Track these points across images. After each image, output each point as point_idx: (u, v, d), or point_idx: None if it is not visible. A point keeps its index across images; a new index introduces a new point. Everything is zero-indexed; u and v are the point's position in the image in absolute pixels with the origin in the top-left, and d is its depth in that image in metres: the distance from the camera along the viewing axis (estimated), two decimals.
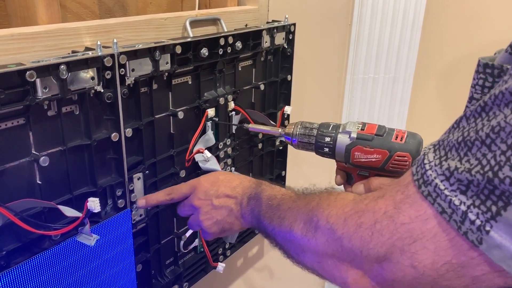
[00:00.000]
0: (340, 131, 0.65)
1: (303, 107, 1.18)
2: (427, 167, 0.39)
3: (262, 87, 0.91)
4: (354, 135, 0.63)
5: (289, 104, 0.99)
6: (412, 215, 0.39)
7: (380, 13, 1.30)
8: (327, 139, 0.65)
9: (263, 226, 0.59)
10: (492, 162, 0.34)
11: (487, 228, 0.34)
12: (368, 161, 0.63)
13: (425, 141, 1.55)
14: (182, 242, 0.82)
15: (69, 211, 0.56)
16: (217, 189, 0.66)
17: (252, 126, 0.75)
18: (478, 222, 0.34)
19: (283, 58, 0.94)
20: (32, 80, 0.50)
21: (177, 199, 0.70)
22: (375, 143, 0.62)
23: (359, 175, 0.66)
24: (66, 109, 0.57)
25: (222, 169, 0.82)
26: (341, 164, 0.66)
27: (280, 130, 0.71)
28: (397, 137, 0.62)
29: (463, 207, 0.35)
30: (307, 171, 1.32)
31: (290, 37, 0.93)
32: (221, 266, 0.84)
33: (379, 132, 0.62)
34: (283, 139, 0.72)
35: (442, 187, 0.37)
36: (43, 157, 0.55)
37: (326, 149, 0.65)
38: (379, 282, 0.43)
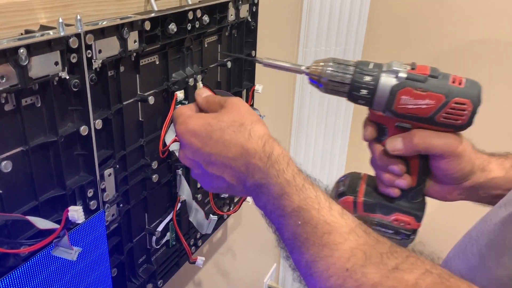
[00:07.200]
0: (384, 69, 0.53)
1: (261, 82, 1.13)
2: None
3: (229, 64, 0.84)
4: (403, 74, 0.52)
5: (253, 82, 0.94)
6: None
7: None
8: (367, 78, 0.53)
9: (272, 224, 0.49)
10: None
11: None
12: (416, 108, 0.52)
13: None
14: (154, 238, 0.75)
15: (42, 223, 0.47)
16: (209, 152, 0.52)
17: (268, 61, 0.60)
18: None
19: (247, 32, 0.88)
20: None
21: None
22: (429, 85, 0.51)
23: (398, 127, 0.55)
24: (26, 102, 0.48)
25: None
26: (376, 113, 0.55)
27: (303, 68, 0.57)
28: (454, 81, 0.51)
29: None
30: None
31: (254, 10, 0.87)
32: (200, 260, 0.78)
33: (433, 73, 0.52)
34: (306, 78, 0.57)
35: None
36: (5, 162, 0.45)
37: (364, 92, 0.53)
38: None
